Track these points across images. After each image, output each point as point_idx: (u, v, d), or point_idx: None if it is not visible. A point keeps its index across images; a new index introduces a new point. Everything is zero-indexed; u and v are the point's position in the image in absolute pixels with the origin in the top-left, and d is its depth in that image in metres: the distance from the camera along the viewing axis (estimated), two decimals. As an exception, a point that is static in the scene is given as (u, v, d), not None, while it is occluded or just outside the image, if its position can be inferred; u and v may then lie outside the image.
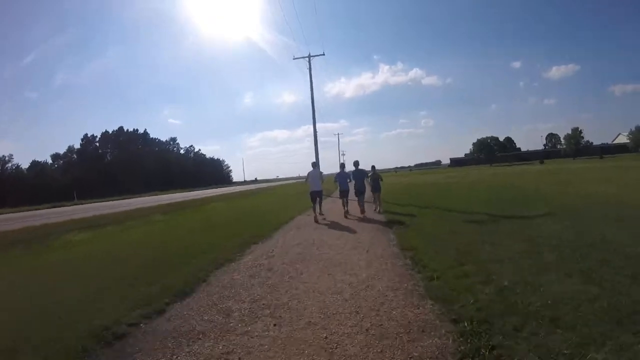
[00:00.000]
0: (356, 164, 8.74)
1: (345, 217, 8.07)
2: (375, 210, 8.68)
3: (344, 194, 8.66)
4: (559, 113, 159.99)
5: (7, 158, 58.56)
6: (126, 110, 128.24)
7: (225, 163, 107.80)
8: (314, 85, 19.61)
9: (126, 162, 69.89)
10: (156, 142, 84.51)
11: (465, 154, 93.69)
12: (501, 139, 79.53)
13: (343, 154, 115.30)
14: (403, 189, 17.17)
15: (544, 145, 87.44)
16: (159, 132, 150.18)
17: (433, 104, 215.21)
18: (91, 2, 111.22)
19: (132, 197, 36.90)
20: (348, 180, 8.73)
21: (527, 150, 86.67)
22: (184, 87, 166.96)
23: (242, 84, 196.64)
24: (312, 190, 8.31)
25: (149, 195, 40.29)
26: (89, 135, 74.53)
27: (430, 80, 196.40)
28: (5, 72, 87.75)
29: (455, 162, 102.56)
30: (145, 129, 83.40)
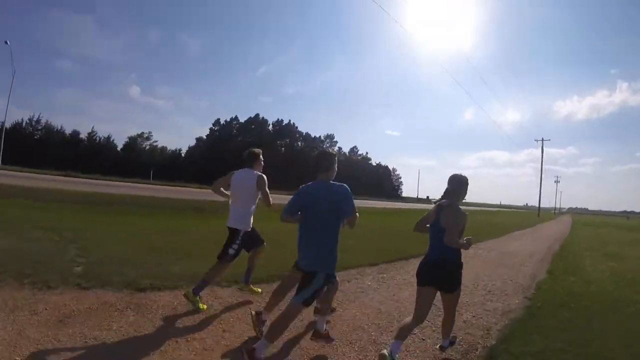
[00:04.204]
0: (321, 160, 2.92)
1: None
2: None
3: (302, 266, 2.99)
4: None
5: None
6: (344, 117, 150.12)
7: (397, 173, 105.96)
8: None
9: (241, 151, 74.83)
10: (304, 137, 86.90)
11: None
12: None
13: (557, 181, 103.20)
14: None
15: None
16: (375, 143, 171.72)
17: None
18: (315, 20, 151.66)
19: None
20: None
21: None
22: (403, 99, 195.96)
23: (464, 99, 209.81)
24: (228, 224, 3.93)
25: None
26: (221, 121, 79.25)
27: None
28: (244, 80, 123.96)
29: None
30: (290, 120, 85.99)
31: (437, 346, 3.25)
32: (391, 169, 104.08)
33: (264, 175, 3.84)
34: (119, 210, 11.02)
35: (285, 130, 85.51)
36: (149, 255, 5.62)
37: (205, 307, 3.69)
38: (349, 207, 2.77)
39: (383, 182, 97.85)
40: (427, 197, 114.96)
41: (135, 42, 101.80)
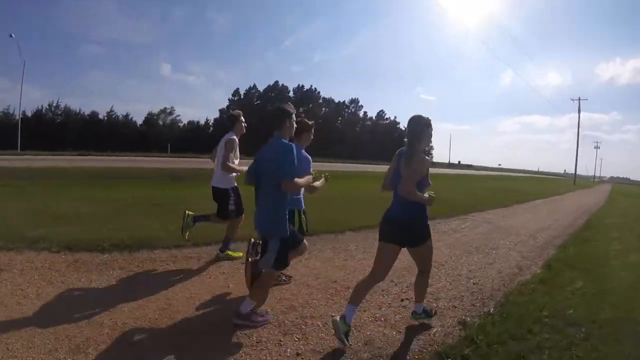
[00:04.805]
0: (271, 117, 2.76)
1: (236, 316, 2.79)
2: None
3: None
4: None
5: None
6: (375, 83, 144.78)
7: None
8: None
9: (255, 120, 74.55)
10: (327, 102, 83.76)
11: None
12: None
13: (596, 147, 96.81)
14: None
15: None
16: (409, 108, 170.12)
17: None
18: None
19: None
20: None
21: None
22: (440, 64, 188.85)
23: (503, 60, 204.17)
24: (212, 183, 4.11)
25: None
26: (240, 91, 76.76)
27: None
28: (271, 50, 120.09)
29: None
30: (312, 85, 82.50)
31: (410, 312, 2.95)
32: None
33: (233, 138, 3.93)
34: (86, 182, 10.63)
35: (307, 96, 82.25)
36: (28, 219, 5.35)
37: (241, 254, 4.02)
38: (282, 169, 2.50)
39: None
40: (459, 162, 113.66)
41: (160, 21, 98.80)
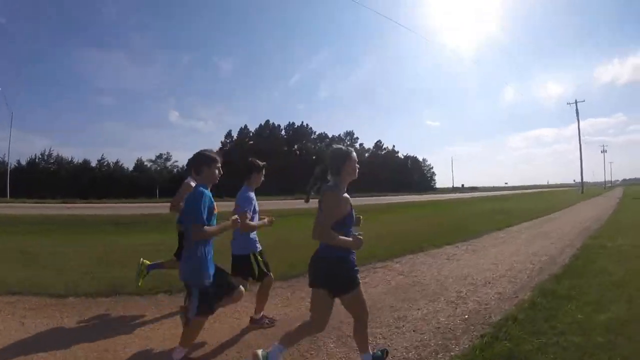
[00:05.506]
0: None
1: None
2: None
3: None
4: None
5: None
6: (381, 114, 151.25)
7: (427, 163, 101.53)
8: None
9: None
10: (321, 137, 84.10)
11: None
12: None
13: (603, 150, 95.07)
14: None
15: None
16: (417, 134, 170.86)
17: None
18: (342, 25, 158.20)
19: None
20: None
21: None
22: (443, 88, 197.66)
23: (503, 78, 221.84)
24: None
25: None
26: (232, 133, 76.70)
27: None
28: (278, 91, 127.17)
29: None
30: (304, 122, 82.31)
31: None
32: (421, 159, 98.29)
33: (187, 182, 3.72)
34: (25, 229, 10.52)
35: (299, 133, 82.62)
36: None
37: (142, 285, 4.01)
38: (188, 216, 2.57)
39: (412, 174, 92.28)
40: (462, 185, 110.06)
41: (168, 70, 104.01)
